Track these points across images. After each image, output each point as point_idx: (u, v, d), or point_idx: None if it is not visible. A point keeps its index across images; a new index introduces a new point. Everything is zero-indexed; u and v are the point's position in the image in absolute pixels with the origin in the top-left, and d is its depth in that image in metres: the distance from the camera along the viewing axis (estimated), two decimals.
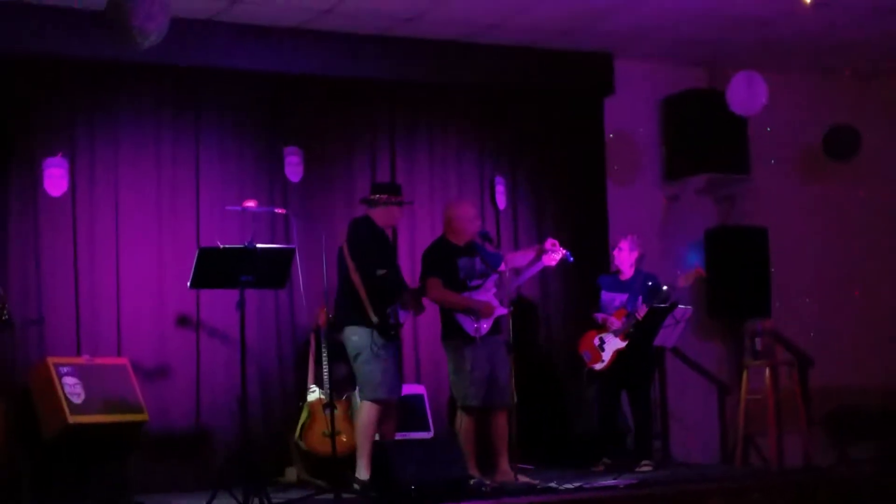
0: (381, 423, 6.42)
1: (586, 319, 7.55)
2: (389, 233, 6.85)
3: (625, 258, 7.47)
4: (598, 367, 7.36)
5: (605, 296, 7.47)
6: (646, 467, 7.21)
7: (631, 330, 7.28)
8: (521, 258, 7.02)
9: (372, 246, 6.47)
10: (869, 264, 9.27)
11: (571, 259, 6.87)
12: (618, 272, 7.52)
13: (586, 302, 7.67)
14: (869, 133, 8.78)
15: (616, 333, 7.31)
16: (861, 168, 9.08)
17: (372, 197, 6.63)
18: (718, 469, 7.91)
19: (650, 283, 7.35)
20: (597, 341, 7.39)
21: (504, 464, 6.72)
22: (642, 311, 7.24)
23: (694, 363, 8.33)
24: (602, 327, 7.38)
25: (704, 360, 8.48)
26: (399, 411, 6.71)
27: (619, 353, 7.30)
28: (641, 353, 7.35)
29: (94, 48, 6.88)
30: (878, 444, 8.58)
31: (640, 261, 7.49)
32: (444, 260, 6.74)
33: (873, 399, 8.80)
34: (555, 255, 6.83)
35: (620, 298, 7.41)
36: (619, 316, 7.34)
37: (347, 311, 6.44)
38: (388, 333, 6.36)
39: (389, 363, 6.40)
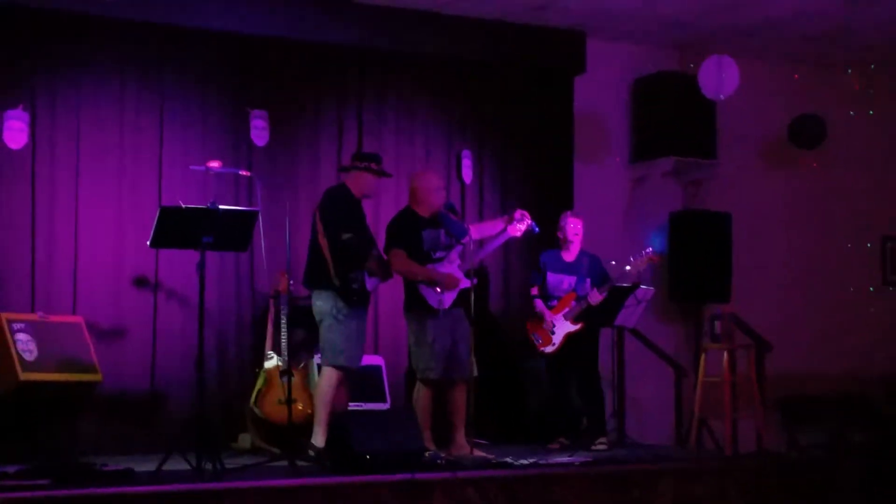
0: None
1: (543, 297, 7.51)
2: (366, 203, 6.71)
3: (576, 237, 7.42)
4: (549, 349, 7.34)
5: (553, 277, 7.42)
6: (601, 445, 7.22)
7: (582, 313, 7.27)
8: (488, 228, 6.97)
9: (342, 211, 6.38)
10: (830, 252, 9.34)
11: (537, 230, 6.83)
12: (560, 248, 7.44)
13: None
14: (834, 122, 8.82)
15: (566, 317, 7.29)
16: (826, 156, 9.14)
17: (346, 164, 6.57)
18: (672, 450, 7.95)
19: (600, 270, 7.32)
20: (547, 325, 7.37)
21: (460, 437, 6.70)
22: (594, 295, 7.21)
23: (652, 345, 8.34)
24: (539, 317, 7.34)
25: (663, 342, 8.50)
26: (352, 381, 6.65)
27: (569, 336, 7.29)
28: (588, 335, 7.34)
29: None
30: (831, 431, 8.65)
31: (582, 242, 7.47)
32: (409, 231, 6.68)
33: (828, 386, 8.88)
34: (520, 225, 6.79)
35: (569, 281, 7.38)
36: (567, 301, 7.30)
37: (314, 275, 6.37)
38: (351, 298, 6.29)
39: (352, 330, 6.34)
